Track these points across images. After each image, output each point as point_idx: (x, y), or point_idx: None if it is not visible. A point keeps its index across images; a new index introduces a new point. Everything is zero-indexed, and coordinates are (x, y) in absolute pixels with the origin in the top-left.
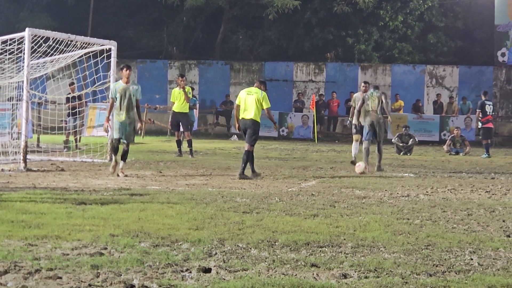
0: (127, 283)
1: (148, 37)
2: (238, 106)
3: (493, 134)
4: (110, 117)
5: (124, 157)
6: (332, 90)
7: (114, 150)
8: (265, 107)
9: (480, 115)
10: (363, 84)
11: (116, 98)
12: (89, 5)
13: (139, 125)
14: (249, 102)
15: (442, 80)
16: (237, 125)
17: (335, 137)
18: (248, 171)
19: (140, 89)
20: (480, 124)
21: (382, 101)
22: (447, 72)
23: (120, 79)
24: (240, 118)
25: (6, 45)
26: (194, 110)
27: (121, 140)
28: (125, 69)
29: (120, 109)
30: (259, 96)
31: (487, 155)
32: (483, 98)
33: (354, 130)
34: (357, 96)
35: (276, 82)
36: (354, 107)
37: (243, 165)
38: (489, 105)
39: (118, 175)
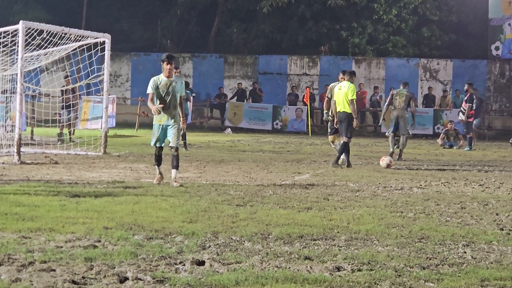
0: (121, 275)
1: (142, 30)
2: (329, 99)
3: (489, 128)
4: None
5: (175, 165)
6: (326, 83)
7: (156, 159)
8: (349, 98)
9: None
10: (341, 74)
11: (156, 95)
12: None
13: (183, 126)
14: (340, 96)
15: (436, 73)
16: (327, 117)
17: None
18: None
19: (184, 84)
20: (466, 118)
21: (410, 100)
22: (441, 66)
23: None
24: (336, 112)
25: (0, 38)
26: (188, 102)
27: (164, 145)
28: (165, 62)
29: (162, 108)
30: (346, 89)
31: (469, 148)
32: (470, 91)
33: (329, 130)
34: (334, 85)
35: (270, 76)
36: (329, 98)
37: (339, 154)
38: (475, 99)
39: (173, 185)
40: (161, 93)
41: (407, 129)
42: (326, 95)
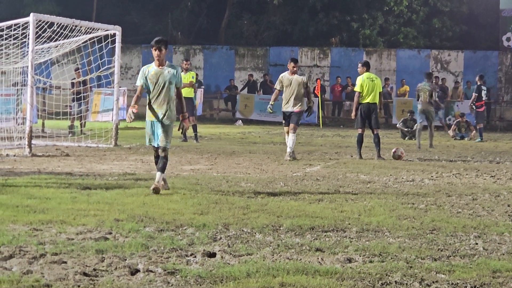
0: (132, 267)
1: (152, 22)
2: (360, 93)
3: (500, 119)
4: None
5: (160, 166)
6: (336, 75)
7: (156, 161)
8: (380, 90)
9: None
10: (292, 64)
11: (146, 86)
12: None
13: (184, 124)
14: (373, 88)
15: (447, 65)
16: (355, 112)
17: (340, 122)
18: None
19: (180, 74)
20: (474, 108)
21: (432, 94)
22: (452, 57)
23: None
24: (363, 102)
25: (11, 30)
26: (197, 93)
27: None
28: (154, 48)
29: (153, 102)
30: (379, 81)
31: (480, 139)
32: (478, 82)
33: (283, 121)
34: (285, 76)
35: (281, 67)
36: (280, 90)
37: (378, 147)
38: (484, 90)
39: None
40: (150, 84)
41: (433, 120)
42: (275, 87)
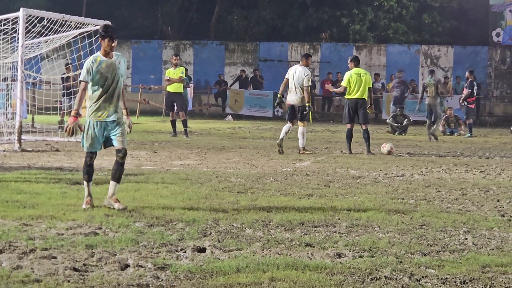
0: (122, 262)
1: (142, 17)
2: (346, 88)
3: (489, 114)
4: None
5: (117, 176)
6: (326, 70)
7: (87, 170)
8: (369, 86)
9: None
10: (303, 58)
11: (95, 82)
12: None
13: (127, 121)
14: (361, 83)
15: (437, 60)
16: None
17: (329, 117)
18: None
19: (126, 64)
20: (465, 103)
21: (438, 86)
22: (442, 52)
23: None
24: (350, 98)
25: (1, 25)
26: (188, 89)
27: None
28: (107, 38)
29: (104, 99)
30: (368, 77)
31: (470, 134)
32: (470, 78)
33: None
34: (297, 69)
35: (271, 62)
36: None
37: (368, 143)
38: (475, 86)
39: (109, 207)
40: (101, 79)
41: (438, 114)
42: (286, 77)
